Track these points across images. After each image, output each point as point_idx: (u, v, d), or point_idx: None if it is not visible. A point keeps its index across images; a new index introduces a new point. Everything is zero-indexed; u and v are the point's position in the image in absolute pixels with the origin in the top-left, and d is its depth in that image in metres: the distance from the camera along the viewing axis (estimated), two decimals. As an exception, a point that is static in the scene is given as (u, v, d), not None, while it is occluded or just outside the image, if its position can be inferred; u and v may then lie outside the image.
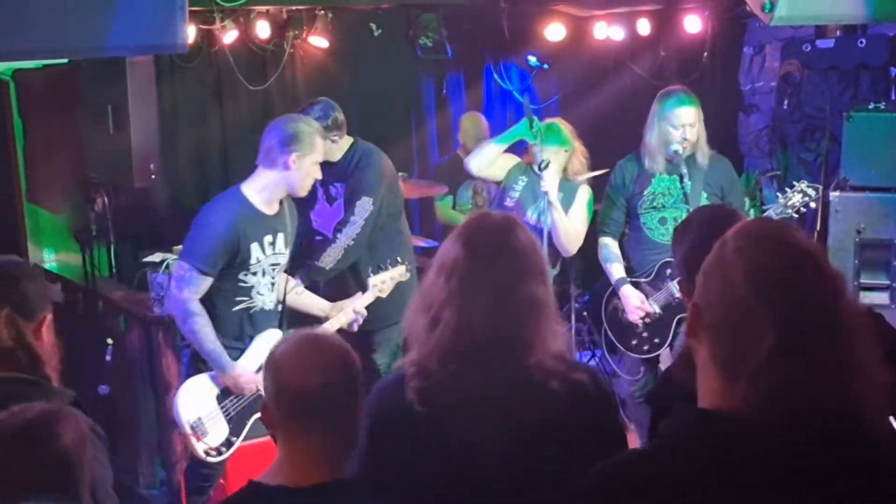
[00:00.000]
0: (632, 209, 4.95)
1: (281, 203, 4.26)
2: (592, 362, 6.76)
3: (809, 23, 5.69)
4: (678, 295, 4.71)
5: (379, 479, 2.26)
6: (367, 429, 2.25)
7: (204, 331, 4.05)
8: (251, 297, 4.19)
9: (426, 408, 2.18)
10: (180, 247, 4.51)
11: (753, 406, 1.50)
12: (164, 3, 3.63)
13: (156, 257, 5.54)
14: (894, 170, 5.15)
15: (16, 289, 2.68)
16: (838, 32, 6.06)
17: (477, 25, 7.41)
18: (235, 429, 4.20)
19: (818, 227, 5.43)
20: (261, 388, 4.18)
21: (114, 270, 5.83)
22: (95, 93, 5.12)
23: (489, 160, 5.16)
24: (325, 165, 4.91)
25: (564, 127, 5.20)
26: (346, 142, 4.89)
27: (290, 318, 4.48)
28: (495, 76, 8.14)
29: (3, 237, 5.71)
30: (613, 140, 7.29)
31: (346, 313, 4.42)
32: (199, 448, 4.10)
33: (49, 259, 5.92)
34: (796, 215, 4.68)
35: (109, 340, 4.85)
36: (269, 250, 4.17)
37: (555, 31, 7.02)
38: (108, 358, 4.83)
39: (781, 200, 4.70)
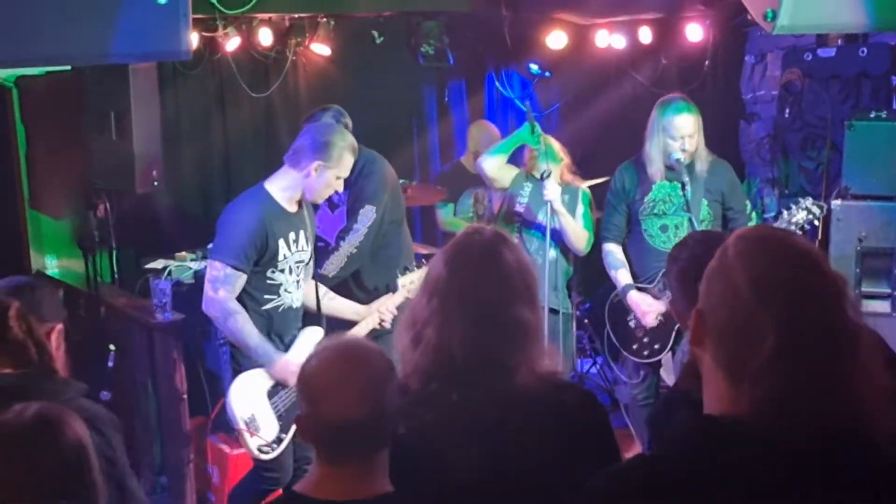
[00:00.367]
0: (633, 215, 4.97)
1: (300, 202, 4.30)
2: (594, 370, 6.77)
3: (812, 31, 5.69)
4: None
5: None
6: None
7: (246, 327, 4.06)
8: (279, 295, 4.22)
9: (406, 427, 2.13)
10: (183, 253, 4.54)
11: (757, 409, 1.51)
12: (167, 10, 3.63)
13: (158, 264, 5.55)
14: (895, 178, 5.15)
15: (31, 294, 2.77)
16: (839, 41, 6.07)
17: (479, 33, 7.42)
18: (285, 426, 4.20)
19: (819, 236, 5.43)
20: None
21: (116, 277, 5.83)
22: (98, 99, 5.13)
23: (499, 162, 5.27)
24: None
25: (553, 143, 5.25)
26: (349, 151, 4.90)
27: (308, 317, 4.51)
28: (497, 84, 8.16)
29: (6, 243, 5.72)
30: (615, 148, 7.30)
31: (373, 316, 4.46)
32: (253, 444, 4.10)
33: (51, 265, 5.92)
34: (800, 232, 4.69)
35: (112, 347, 4.84)
36: (293, 247, 4.21)
37: (556, 39, 7.03)
38: (110, 364, 4.82)
39: (786, 216, 4.71)
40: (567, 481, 2.04)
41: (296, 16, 6.45)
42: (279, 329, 4.27)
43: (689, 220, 4.77)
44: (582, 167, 7.02)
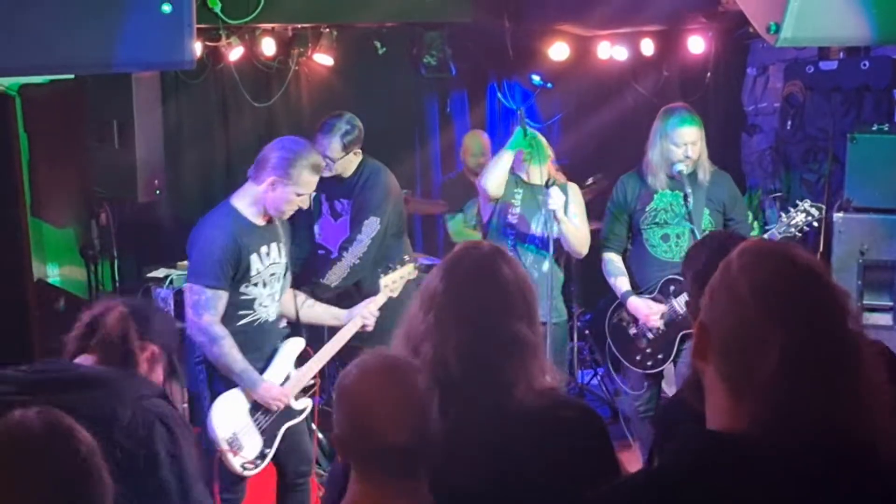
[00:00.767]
0: (634, 225, 4.96)
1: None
2: (595, 381, 6.76)
3: (815, 44, 5.70)
4: (682, 311, 4.72)
5: None
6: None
7: (232, 353, 4.01)
8: (254, 310, 4.17)
9: None
10: (185, 262, 4.50)
11: (761, 424, 1.50)
12: (171, 20, 3.62)
13: (160, 272, 5.55)
14: (897, 191, 5.16)
15: (143, 312, 2.86)
16: (841, 54, 6.08)
17: (481, 44, 7.44)
18: (268, 441, 4.19)
19: (821, 248, 5.44)
20: (290, 402, 4.19)
21: (117, 285, 5.83)
22: (101, 108, 5.14)
23: (501, 178, 5.02)
24: (335, 180, 4.94)
25: (541, 139, 5.15)
26: (357, 158, 4.91)
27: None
28: (499, 95, 8.17)
29: (8, 251, 5.70)
30: (616, 159, 7.30)
31: (356, 320, 4.38)
32: (237, 463, 4.08)
33: (53, 273, 5.92)
34: (799, 234, 4.69)
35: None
36: (266, 260, 4.14)
37: (558, 51, 7.04)
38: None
39: (785, 219, 4.71)
40: (567, 497, 2.04)
41: (299, 26, 6.47)
42: (258, 343, 4.21)
43: (692, 230, 4.77)
44: (583, 178, 7.05)
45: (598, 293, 6.30)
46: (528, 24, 6.68)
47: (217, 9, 5.32)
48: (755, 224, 6.24)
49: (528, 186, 5.04)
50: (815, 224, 4.76)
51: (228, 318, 4.10)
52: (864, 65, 5.85)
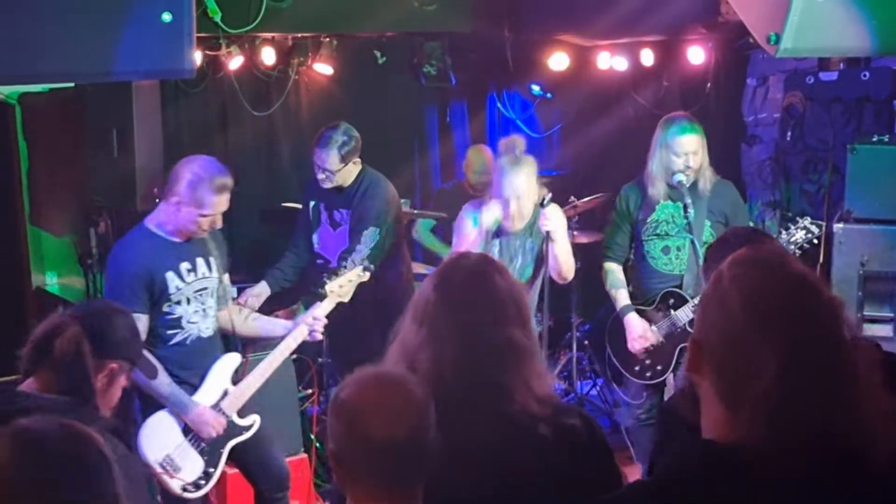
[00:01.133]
0: (636, 236, 4.94)
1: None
2: (594, 391, 6.75)
3: (815, 55, 5.70)
4: (680, 324, 4.72)
5: None
6: None
7: (157, 376, 3.90)
8: (183, 328, 4.08)
9: None
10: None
11: (758, 435, 1.50)
12: (171, 29, 3.63)
13: (158, 281, 5.51)
14: (898, 202, 5.16)
15: (103, 324, 2.74)
16: (841, 65, 6.07)
17: (481, 54, 7.44)
18: (211, 460, 4.11)
19: (822, 259, 5.42)
20: (233, 419, 4.14)
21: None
22: (101, 116, 5.14)
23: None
24: (334, 190, 4.94)
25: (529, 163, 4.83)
26: (356, 168, 4.90)
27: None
28: (498, 105, 8.17)
29: (6, 259, 5.70)
30: (616, 169, 7.30)
31: (302, 328, 4.30)
32: (175, 485, 4.00)
33: (51, 282, 5.91)
34: (799, 251, 4.67)
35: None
36: (188, 277, 4.06)
37: (558, 61, 7.05)
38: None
39: (784, 237, 4.68)
40: (573, 500, 2.06)
41: (299, 35, 6.47)
42: (193, 361, 4.14)
43: (692, 241, 4.75)
44: (583, 188, 7.04)
45: (597, 303, 6.30)
46: (528, 34, 6.68)
47: (217, 18, 5.31)
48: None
49: (508, 236, 4.80)
50: (815, 241, 4.74)
51: (159, 339, 4.04)
52: (865, 75, 5.85)
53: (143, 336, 3.88)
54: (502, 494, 2.10)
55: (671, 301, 4.78)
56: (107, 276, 4.07)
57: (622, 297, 4.93)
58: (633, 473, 4.89)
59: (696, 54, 6.51)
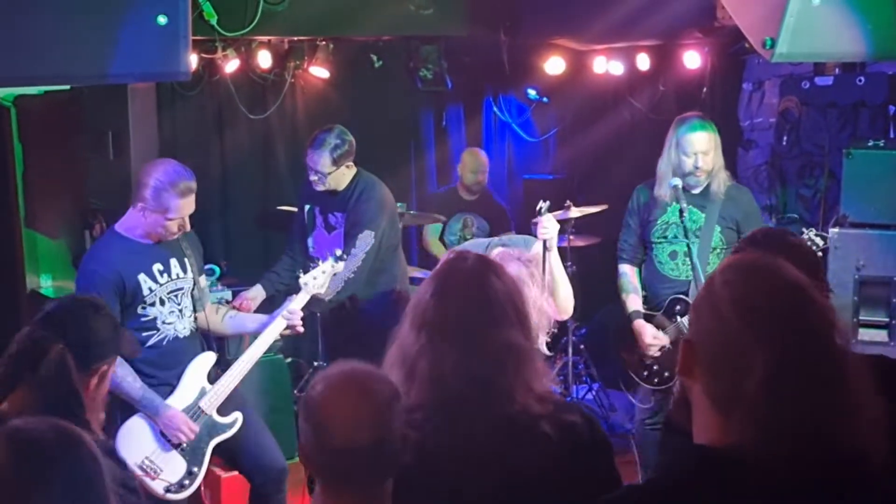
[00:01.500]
0: (646, 237, 4.91)
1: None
2: (589, 395, 6.74)
3: (810, 60, 5.70)
4: (687, 331, 4.69)
5: None
6: None
7: (126, 380, 3.91)
8: (158, 329, 4.07)
9: (416, 460, 2.09)
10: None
11: (749, 440, 1.50)
12: (167, 32, 3.63)
13: (153, 284, 5.51)
14: (894, 207, 5.14)
15: (84, 331, 2.67)
16: (837, 70, 6.08)
17: (477, 58, 7.44)
18: (194, 459, 4.09)
19: (817, 264, 5.41)
20: (214, 417, 4.12)
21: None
22: (96, 119, 5.14)
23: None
24: (329, 193, 4.93)
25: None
26: (350, 172, 4.90)
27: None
28: (495, 109, 8.18)
29: (1, 262, 5.70)
30: (612, 174, 7.31)
31: (279, 321, 4.28)
32: (158, 487, 3.98)
33: (46, 285, 5.90)
34: None
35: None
36: (161, 278, 4.06)
37: (554, 65, 7.05)
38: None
39: None
40: (574, 498, 2.09)
41: (295, 38, 6.47)
42: (170, 361, 4.12)
43: (688, 246, 4.71)
44: (579, 193, 7.04)
45: (593, 307, 6.31)
46: (525, 38, 6.69)
47: (213, 21, 5.30)
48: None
49: None
50: (820, 254, 4.65)
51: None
52: (860, 80, 5.85)
53: None
54: (505, 493, 2.12)
55: (678, 308, 4.77)
56: (76, 283, 4.06)
57: (632, 302, 4.89)
58: (630, 477, 4.88)
59: (692, 59, 6.52)
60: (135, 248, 4.02)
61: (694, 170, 4.68)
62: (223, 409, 4.18)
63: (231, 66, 6.25)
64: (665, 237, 4.81)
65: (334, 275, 4.68)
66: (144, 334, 4.03)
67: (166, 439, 4.05)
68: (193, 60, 5.51)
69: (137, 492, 2.54)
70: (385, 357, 2.29)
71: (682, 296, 4.76)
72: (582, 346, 6.66)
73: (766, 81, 6.75)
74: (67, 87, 4.96)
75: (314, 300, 4.71)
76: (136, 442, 4.00)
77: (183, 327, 4.16)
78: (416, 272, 6.34)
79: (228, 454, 4.28)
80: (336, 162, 4.80)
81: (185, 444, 4.06)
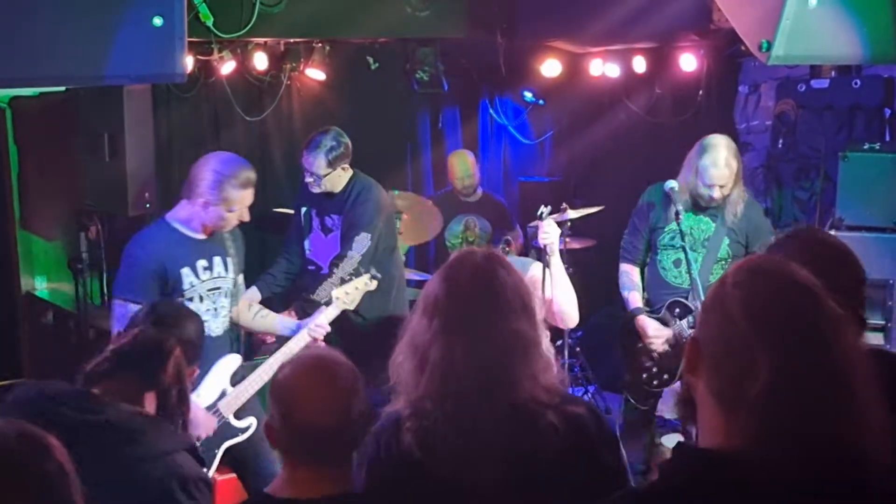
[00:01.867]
0: (653, 242, 4.91)
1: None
2: (585, 397, 6.74)
3: (807, 62, 5.71)
4: (686, 333, 4.71)
5: None
6: (366, 472, 2.24)
7: None
8: None
9: (424, 451, 2.16)
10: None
11: (753, 443, 1.50)
12: (163, 33, 3.62)
13: (148, 286, 5.50)
14: (889, 210, 5.15)
15: (192, 331, 2.85)
16: (833, 73, 6.09)
17: (473, 60, 7.45)
18: (204, 459, 4.11)
19: (813, 267, 5.41)
20: (230, 420, 4.13)
21: (105, 299, 5.80)
22: (92, 120, 5.12)
23: None
24: (325, 196, 4.92)
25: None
26: (346, 174, 4.89)
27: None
28: (491, 111, 8.18)
29: (-4, 264, 5.69)
30: (608, 176, 7.32)
31: (304, 331, 4.32)
32: None
33: (41, 286, 5.89)
34: None
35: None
36: (204, 274, 4.09)
37: (551, 67, 7.06)
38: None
39: None
40: (578, 491, 2.12)
41: (291, 41, 6.46)
42: (201, 359, 4.14)
43: (683, 250, 4.70)
44: (575, 195, 7.04)
45: (590, 310, 6.30)
46: (521, 40, 6.69)
47: (209, 23, 5.29)
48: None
49: None
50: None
51: None
52: (856, 83, 5.87)
53: None
54: (511, 483, 2.15)
55: (676, 310, 4.78)
56: (120, 267, 4.06)
57: (634, 299, 4.91)
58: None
59: (689, 61, 6.53)
60: (183, 240, 4.06)
61: (708, 198, 4.72)
62: (239, 413, 4.19)
63: (227, 67, 6.24)
64: (672, 245, 4.82)
65: (331, 278, 4.69)
66: None
67: None
68: (189, 62, 5.51)
69: (211, 492, 2.62)
70: (395, 349, 2.34)
71: (681, 298, 4.77)
72: (578, 349, 6.66)
73: (763, 84, 6.76)
74: (63, 88, 4.95)
75: (309, 303, 4.71)
76: None
77: (216, 326, 4.17)
78: (412, 274, 6.33)
79: (231, 459, 4.27)
80: (331, 164, 4.79)
81: (199, 443, 4.07)
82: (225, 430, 4.14)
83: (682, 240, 4.70)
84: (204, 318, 4.06)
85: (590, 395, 6.71)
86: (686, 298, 4.77)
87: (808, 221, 6.10)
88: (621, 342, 5.01)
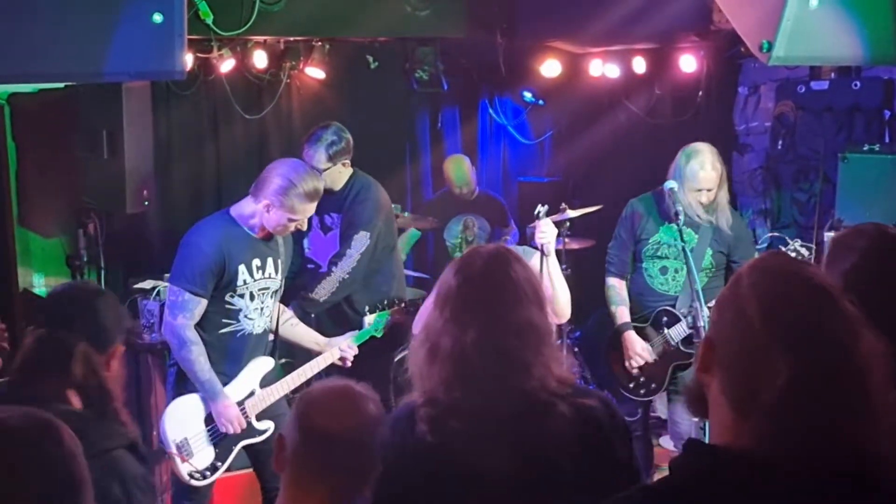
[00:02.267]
0: (637, 253, 4.93)
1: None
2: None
3: (807, 63, 5.71)
4: (674, 343, 4.71)
5: None
6: (382, 458, 2.25)
7: (199, 360, 4.01)
8: (238, 321, 4.15)
9: (436, 437, 2.18)
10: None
11: (765, 443, 1.49)
12: (162, 30, 3.61)
13: (146, 284, 5.51)
14: (888, 211, 5.14)
15: (94, 318, 2.68)
16: (833, 74, 6.09)
17: (473, 60, 7.44)
18: (221, 454, 4.14)
19: (812, 267, 5.41)
20: (251, 421, 4.15)
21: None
22: (91, 118, 5.11)
23: None
24: (325, 193, 4.91)
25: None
26: (346, 171, 4.88)
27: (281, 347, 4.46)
28: (490, 111, 8.17)
29: (-6, 261, 5.68)
30: (607, 177, 7.32)
31: (334, 351, 4.38)
32: (184, 470, 4.04)
33: (39, 284, 5.88)
34: None
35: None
36: (257, 273, 4.13)
37: (550, 68, 7.05)
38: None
39: None
40: (589, 481, 2.14)
41: (291, 39, 6.46)
42: (237, 354, 4.18)
43: (684, 251, 4.69)
44: (574, 195, 7.04)
45: (587, 310, 6.29)
46: (521, 40, 6.68)
47: (209, 20, 5.29)
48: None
49: None
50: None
51: (211, 324, 4.09)
52: (856, 85, 5.86)
53: (196, 321, 4.01)
54: (523, 471, 2.17)
55: (664, 319, 4.79)
56: (179, 255, 4.06)
57: (622, 314, 4.93)
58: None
59: (688, 62, 6.53)
60: (241, 236, 4.09)
61: (695, 204, 4.74)
62: (260, 415, 4.22)
63: (226, 65, 6.24)
64: (658, 255, 4.84)
65: (330, 276, 4.69)
66: (224, 320, 4.11)
67: (207, 429, 4.11)
68: (189, 59, 5.50)
69: (152, 491, 2.57)
70: (412, 338, 2.38)
71: (669, 308, 4.78)
72: (576, 349, 6.65)
73: (762, 85, 6.76)
74: (62, 85, 4.94)
75: (308, 302, 4.72)
76: (182, 421, 4.08)
77: (259, 325, 4.23)
78: (410, 273, 6.33)
79: (251, 455, 4.33)
80: (332, 158, 4.79)
81: (219, 438, 4.12)
82: (246, 430, 4.18)
83: (682, 239, 4.69)
84: (251, 316, 4.17)
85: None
86: (673, 306, 4.78)
87: (806, 223, 6.10)
88: (609, 354, 5.01)
